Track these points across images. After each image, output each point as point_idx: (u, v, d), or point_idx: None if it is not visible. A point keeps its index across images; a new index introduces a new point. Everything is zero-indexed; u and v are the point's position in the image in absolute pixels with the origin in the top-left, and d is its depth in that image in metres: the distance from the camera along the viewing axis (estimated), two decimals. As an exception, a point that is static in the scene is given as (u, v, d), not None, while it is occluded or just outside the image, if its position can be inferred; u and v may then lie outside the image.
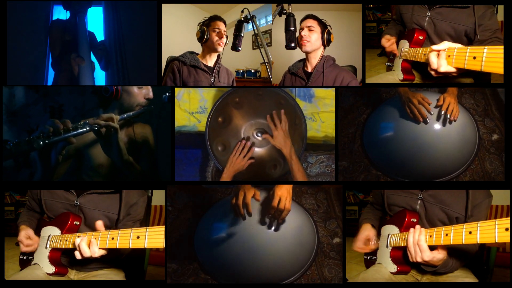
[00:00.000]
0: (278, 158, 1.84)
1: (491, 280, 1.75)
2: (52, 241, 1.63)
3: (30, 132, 2.16)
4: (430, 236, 1.47)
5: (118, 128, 1.70)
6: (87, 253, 1.51)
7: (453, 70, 1.34)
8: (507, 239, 1.24)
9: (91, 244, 1.52)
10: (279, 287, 1.83)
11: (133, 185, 1.74)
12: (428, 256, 1.50)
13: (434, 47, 1.39)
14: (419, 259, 1.52)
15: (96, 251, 1.52)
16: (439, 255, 1.49)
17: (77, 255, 1.53)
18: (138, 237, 1.46)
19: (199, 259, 1.90)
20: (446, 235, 1.41)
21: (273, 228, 1.77)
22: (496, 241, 1.26)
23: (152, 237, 1.45)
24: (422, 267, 1.61)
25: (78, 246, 1.52)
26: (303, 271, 1.86)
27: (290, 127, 1.80)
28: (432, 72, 1.42)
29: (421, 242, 1.51)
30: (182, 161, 2.01)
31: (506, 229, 1.24)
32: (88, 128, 1.67)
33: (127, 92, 1.85)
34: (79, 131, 1.64)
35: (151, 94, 1.87)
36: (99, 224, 1.59)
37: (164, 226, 1.45)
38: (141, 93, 1.86)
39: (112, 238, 1.50)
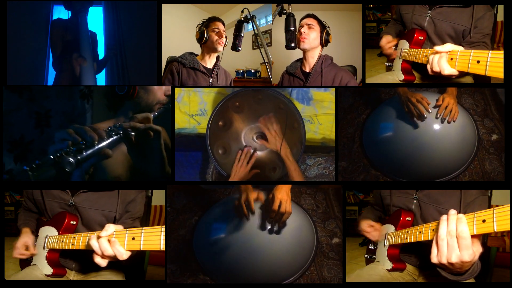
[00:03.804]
0: (277, 161, 1.85)
1: (491, 280, 1.75)
2: (49, 241, 1.61)
3: (13, 144, 1.86)
4: (420, 232, 1.40)
5: (161, 131, 1.35)
6: (109, 251, 1.30)
7: (456, 73, 1.33)
8: (507, 227, 1.09)
9: (113, 244, 1.30)
10: (279, 287, 1.84)
11: (133, 185, 1.72)
12: (470, 254, 1.12)
13: (437, 48, 1.37)
14: (454, 259, 1.14)
15: (124, 252, 1.31)
16: (480, 250, 1.16)
17: (100, 262, 1.32)
18: (133, 239, 1.33)
19: (198, 260, 1.90)
20: (433, 230, 1.30)
21: (274, 232, 1.76)
22: (495, 230, 1.09)
23: (148, 239, 1.32)
24: (442, 273, 1.24)
25: (99, 245, 1.30)
26: (302, 272, 1.86)
27: (289, 131, 1.81)
28: (432, 73, 1.40)
29: (464, 233, 1.12)
30: (183, 163, 2.01)
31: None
32: (122, 133, 1.29)
33: (144, 88, 1.61)
34: (114, 138, 1.27)
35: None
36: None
37: (160, 226, 1.33)
38: (161, 89, 1.64)
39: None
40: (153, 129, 1.33)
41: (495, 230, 1.09)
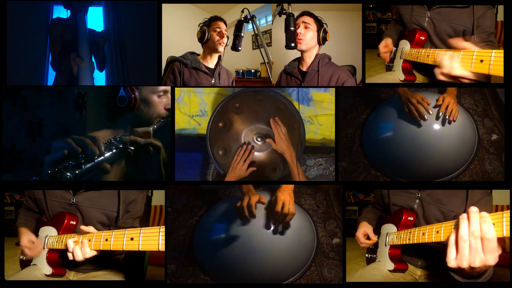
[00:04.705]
0: (277, 162, 1.85)
1: (491, 280, 1.75)
2: (49, 241, 1.62)
3: (3, 153, 1.79)
4: (423, 234, 1.38)
5: (161, 147, 1.36)
6: (79, 256, 1.46)
7: (468, 74, 1.26)
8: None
9: (82, 244, 1.46)
10: (279, 287, 1.84)
11: (133, 185, 1.72)
12: (495, 258, 1.01)
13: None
14: (478, 263, 1.02)
15: (88, 252, 1.46)
16: (499, 251, 1.04)
17: (69, 256, 1.49)
18: (132, 239, 1.37)
19: (199, 260, 1.90)
20: (438, 232, 1.30)
21: (278, 232, 1.76)
22: (505, 234, 1.04)
23: (147, 239, 1.36)
24: (455, 277, 1.12)
25: (73, 250, 1.47)
26: (302, 272, 1.86)
27: (289, 132, 1.81)
28: (442, 77, 1.33)
29: (491, 234, 1.01)
30: (183, 164, 2.00)
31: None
32: (121, 147, 1.27)
33: (145, 101, 1.60)
34: (114, 152, 1.25)
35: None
36: (85, 228, 1.53)
37: (159, 227, 1.36)
38: (162, 102, 1.63)
39: (106, 240, 1.44)
40: (153, 144, 1.32)
41: (504, 235, 1.03)
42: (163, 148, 1.52)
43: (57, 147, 1.17)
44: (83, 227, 1.53)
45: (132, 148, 1.29)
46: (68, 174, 1.10)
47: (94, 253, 1.47)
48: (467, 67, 1.27)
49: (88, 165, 1.16)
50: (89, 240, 1.48)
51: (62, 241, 1.57)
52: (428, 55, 1.64)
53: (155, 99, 1.62)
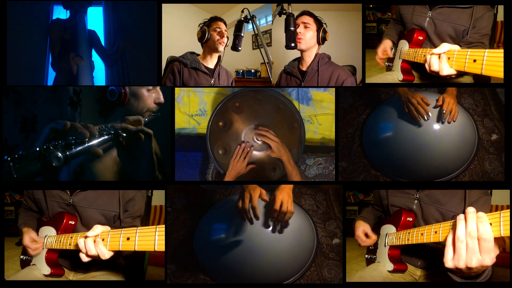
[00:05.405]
0: (277, 162, 1.85)
1: (491, 280, 1.75)
2: (48, 241, 1.61)
3: None
4: (422, 234, 1.38)
5: (152, 134, 1.33)
6: (92, 250, 1.34)
7: (454, 72, 1.32)
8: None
9: (97, 244, 1.35)
10: (279, 287, 1.84)
11: (133, 185, 1.71)
12: (492, 259, 1.02)
13: (434, 50, 1.36)
14: (475, 263, 1.03)
15: (106, 252, 1.34)
16: (497, 252, 1.05)
17: (83, 258, 1.37)
18: (128, 239, 1.33)
19: (199, 260, 1.90)
20: (436, 232, 1.30)
21: (277, 231, 1.76)
22: (502, 234, 1.04)
23: (143, 239, 1.30)
24: (453, 277, 1.13)
25: (84, 244, 1.35)
26: (302, 272, 1.86)
27: (288, 131, 1.81)
28: (430, 72, 1.39)
29: (487, 235, 1.01)
30: (183, 163, 2.01)
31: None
32: (112, 134, 1.25)
33: (135, 95, 1.61)
34: (105, 138, 1.22)
35: (161, 98, 1.67)
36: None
37: (155, 226, 1.31)
38: (151, 97, 1.65)
39: (103, 239, 1.37)
40: (144, 131, 1.31)
41: (502, 235, 1.04)
42: (155, 141, 1.51)
43: (45, 130, 1.17)
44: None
45: (124, 135, 1.27)
46: (59, 153, 1.06)
47: (111, 253, 1.37)
48: (460, 67, 1.28)
49: (79, 148, 1.13)
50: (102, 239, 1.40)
51: (60, 241, 1.56)
52: (424, 55, 1.64)
53: (145, 93, 1.64)
